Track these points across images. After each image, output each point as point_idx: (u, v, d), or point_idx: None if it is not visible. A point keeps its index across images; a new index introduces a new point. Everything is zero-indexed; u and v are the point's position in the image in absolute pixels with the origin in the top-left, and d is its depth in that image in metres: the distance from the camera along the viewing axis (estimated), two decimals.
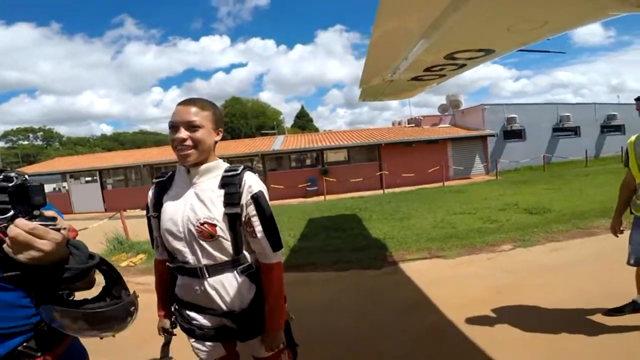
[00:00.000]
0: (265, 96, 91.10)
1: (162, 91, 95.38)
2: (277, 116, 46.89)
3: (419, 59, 2.06)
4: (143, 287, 4.34)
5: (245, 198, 1.20)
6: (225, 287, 1.22)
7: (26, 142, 47.40)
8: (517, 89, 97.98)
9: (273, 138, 19.58)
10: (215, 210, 1.19)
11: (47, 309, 0.89)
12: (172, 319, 1.40)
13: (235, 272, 1.23)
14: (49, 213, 0.81)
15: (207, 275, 1.21)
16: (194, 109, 1.18)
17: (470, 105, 20.24)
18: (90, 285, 0.97)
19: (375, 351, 2.48)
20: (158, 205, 1.28)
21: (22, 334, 0.94)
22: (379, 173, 15.61)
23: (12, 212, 0.77)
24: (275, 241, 1.24)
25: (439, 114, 21.75)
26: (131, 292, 0.98)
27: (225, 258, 1.21)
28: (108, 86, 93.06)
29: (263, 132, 28.81)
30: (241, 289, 1.24)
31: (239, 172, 1.22)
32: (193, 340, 1.33)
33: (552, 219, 5.83)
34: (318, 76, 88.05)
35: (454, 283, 3.61)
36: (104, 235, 6.59)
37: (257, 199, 1.20)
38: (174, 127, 1.18)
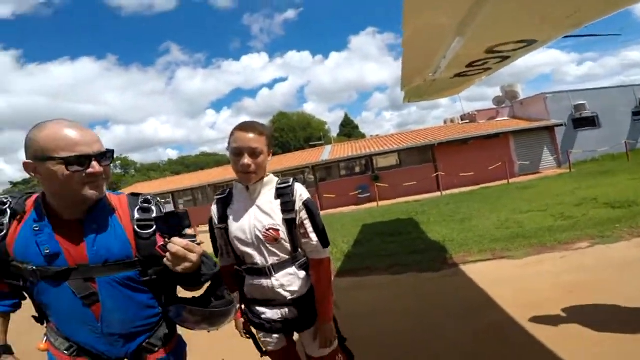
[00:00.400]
0: (310, 107, 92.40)
1: (215, 113, 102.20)
2: (323, 126, 47.13)
3: (459, 55, 2.05)
4: None
5: (298, 205, 1.40)
6: (289, 280, 1.42)
7: None
8: (582, 73, 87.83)
9: (321, 149, 19.91)
10: (276, 217, 1.39)
11: (178, 308, 1.05)
12: (244, 318, 1.57)
13: (294, 266, 1.43)
14: (188, 231, 0.99)
15: (273, 273, 1.41)
16: (253, 136, 1.34)
17: (529, 95, 18.60)
18: (201, 287, 1.10)
19: (433, 354, 2.42)
20: (223, 217, 1.48)
21: (146, 332, 1.10)
22: (434, 175, 15.00)
23: (153, 229, 1.05)
24: (324, 239, 1.42)
25: (494, 107, 20.37)
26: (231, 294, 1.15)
27: (286, 256, 1.41)
28: (168, 112, 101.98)
29: (311, 143, 29.36)
30: (300, 280, 1.44)
31: (290, 184, 1.42)
32: (262, 334, 1.53)
33: (638, 212, 5.12)
34: (358, 81, 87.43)
35: (519, 283, 3.36)
36: None
37: (307, 205, 1.40)
38: (238, 153, 1.35)
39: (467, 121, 19.94)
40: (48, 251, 0.97)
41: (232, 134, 1.39)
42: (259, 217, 1.40)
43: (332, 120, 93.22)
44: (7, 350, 1.05)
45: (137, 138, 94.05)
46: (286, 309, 1.45)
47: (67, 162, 0.90)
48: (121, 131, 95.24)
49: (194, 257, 0.93)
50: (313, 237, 1.40)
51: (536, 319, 2.55)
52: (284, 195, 1.41)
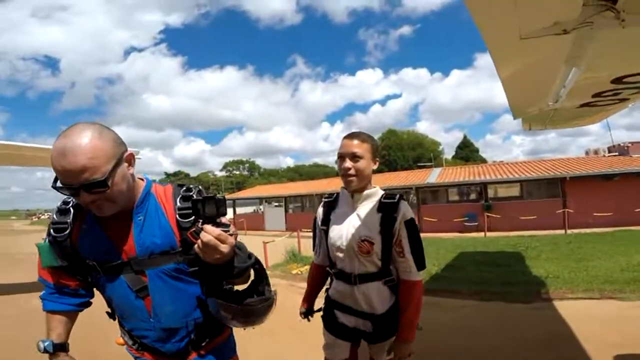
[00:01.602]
0: (422, 126, 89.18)
1: (329, 126, 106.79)
2: (436, 147, 44.95)
3: (580, 85, 1.97)
4: (304, 291, 5.54)
5: (398, 223, 1.39)
6: (371, 293, 1.44)
7: (237, 172, 61.51)
8: None
9: (429, 170, 19.40)
10: (373, 230, 1.40)
11: (212, 301, 1.04)
12: (315, 312, 1.71)
13: (380, 282, 1.44)
14: (223, 220, 0.92)
15: (357, 282, 1.44)
16: (356, 142, 1.43)
17: None
18: (246, 280, 1.07)
19: None
20: (326, 220, 1.55)
21: (198, 325, 1.10)
22: (560, 211, 13.06)
23: (193, 217, 0.99)
24: (420, 261, 1.42)
25: None
26: (273, 290, 1.09)
27: (374, 270, 1.43)
28: (290, 122, 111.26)
29: (420, 164, 28.53)
30: (383, 296, 1.45)
31: (396, 200, 1.42)
32: (330, 336, 1.56)
33: None
34: (483, 101, 79.46)
35: (617, 323, 3.11)
36: (284, 247, 8.58)
37: (409, 224, 1.40)
38: (341, 157, 1.45)
39: (616, 154, 16.57)
40: (103, 248, 1.01)
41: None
42: (357, 226, 1.43)
43: (449, 141, 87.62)
44: (62, 348, 1.06)
45: (263, 144, 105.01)
46: (361, 321, 1.48)
47: (59, 189, 0.92)
48: (252, 137, 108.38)
49: (225, 248, 0.87)
50: (409, 257, 1.39)
51: (618, 357, 2.44)
52: (387, 210, 1.40)
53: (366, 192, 1.47)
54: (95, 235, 1.03)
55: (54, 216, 1.05)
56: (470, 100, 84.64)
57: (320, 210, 1.63)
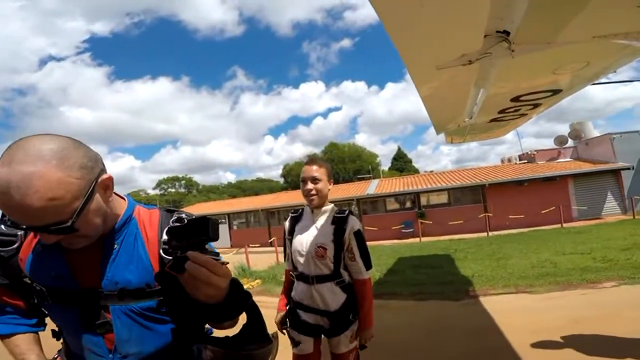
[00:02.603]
0: (361, 139, 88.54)
1: (272, 139, 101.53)
2: (374, 159, 46.53)
3: (487, 104, 2.26)
4: (258, 304, 5.45)
5: (348, 233, 1.68)
6: (325, 292, 1.69)
7: (173, 190, 56.99)
8: None
9: (368, 182, 20.34)
10: (327, 239, 1.69)
11: (200, 347, 0.88)
12: (286, 315, 1.86)
13: (332, 283, 1.70)
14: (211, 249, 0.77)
15: (314, 282, 1.70)
16: (315, 167, 1.71)
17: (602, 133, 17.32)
18: (234, 324, 0.89)
19: (427, 355, 2.89)
20: (292, 231, 1.83)
21: None
22: (481, 215, 14.60)
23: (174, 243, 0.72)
24: (367, 263, 1.71)
25: (556, 147, 19.34)
26: (270, 333, 0.96)
27: (327, 272, 1.69)
28: (230, 136, 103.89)
29: (359, 176, 29.72)
30: (335, 295, 1.70)
31: (345, 215, 1.73)
32: (296, 332, 1.78)
33: None
34: (414, 114, 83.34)
35: (531, 313, 3.58)
36: (232, 264, 8.22)
37: (357, 235, 1.70)
38: (304, 180, 1.72)
39: (525, 161, 19.13)
40: (53, 273, 0.84)
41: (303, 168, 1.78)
42: (315, 235, 1.71)
43: (385, 152, 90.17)
44: None
45: (201, 159, 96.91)
46: (319, 317, 1.71)
47: (8, 225, 0.71)
48: (188, 151, 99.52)
49: (219, 281, 0.69)
50: (359, 260, 1.68)
51: (535, 344, 2.81)
52: (339, 223, 1.70)
53: (323, 208, 1.76)
54: (50, 257, 0.84)
55: (1, 226, 0.87)
56: (404, 112, 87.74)
57: (287, 223, 1.89)
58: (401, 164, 47.08)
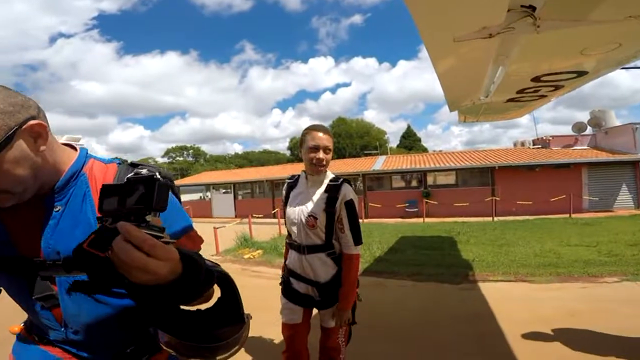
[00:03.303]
0: (370, 115, 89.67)
1: (280, 113, 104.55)
2: (382, 136, 46.25)
3: (505, 82, 2.14)
4: (257, 274, 5.53)
5: (340, 203, 1.61)
6: (315, 262, 1.66)
7: (181, 159, 58.12)
8: None
9: (375, 158, 20.13)
10: (319, 208, 1.63)
11: (156, 330, 0.81)
12: (281, 282, 1.85)
13: (323, 254, 1.66)
14: (155, 220, 0.56)
15: (306, 252, 1.67)
16: (327, 136, 1.64)
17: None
18: (208, 299, 0.77)
19: (420, 337, 2.89)
20: (287, 198, 1.79)
21: (128, 341, 0.83)
22: (488, 199, 14.42)
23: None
24: (357, 237, 1.62)
25: (573, 133, 18.71)
26: (247, 313, 0.83)
27: (319, 242, 1.65)
28: (238, 108, 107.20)
29: (366, 152, 29.44)
30: (326, 266, 1.66)
31: (339, 183, 1.66)
32: (285, 300, 1.76)
33: None
34: (426, 92, 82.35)
35: (528, 302, 3.54)
36: (234, 233, 8.46)
37: (348, 204, 1.62)
38: (316, 148, 1.62)
39: (539, 146, 18.62)
40: None
41: (307, 133, 1.65)
42: (307, 204, 1.67)
43: (393, 130, 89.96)
44: None
45: (209, 130, 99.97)
46: (310, 287, 1.68)
47: None
48: (196, 123, 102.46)
49: (158, 267, 0.50)
50: (348, 233, 1.60)
51: (526, 335, 2.78)
52: (332, 191, 1.63)
53: (319, 175, 1.69)
54: None
55: None
56: (415, 90, 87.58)
57: (283, 191, 1.85)
58: (410, 142, 46.65)
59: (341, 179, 1.68)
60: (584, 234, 7.94)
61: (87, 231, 0.62)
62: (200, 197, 22.54)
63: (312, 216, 1.63)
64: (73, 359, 0.82)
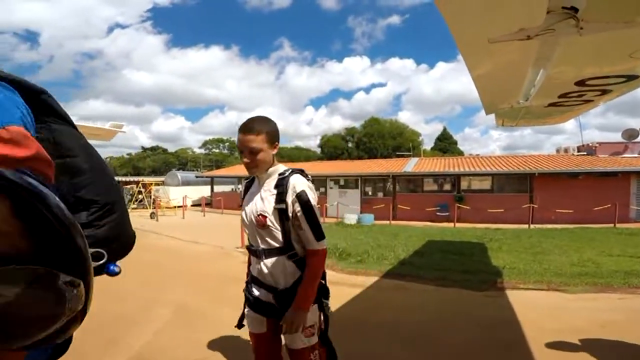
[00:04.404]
0: (404, 116, 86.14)
1: (313, 110, 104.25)
2: (416, 137, 45.35)
3: (546, 85, 2.05)
4: None
5: (290, 197, 1.44)
6: (275, 267, 1.48)
7: (217, 150, 60.21)
8: None
9: (407, 160, 19.76)
10: (268, 205, 1.47)
11: None
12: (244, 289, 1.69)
13: (284, 257, 1.48)
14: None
15: (263, 257, 1.50)
16: (251, 137, 1.43)
17: None
18: None
19: (437, 342, 2.85)
20: (243, 200, 1.65)
21: None
22: (525, 205, 13.74)
23: None
24: (317, 232, 1.45)
25: (623, 141, 17.35)
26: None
27: (276, 245, 1.48)
28: (273, 104, 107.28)
29: (398, 153, 28.93)
30: (286, 271, 1.48)
31: (286, 175, 1.49)
32: (247, 309, 1.61)
33: None
34: (464, 95, 78.36)
35: (557, 312, 3.41)
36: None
37: (300, 197, 1.43)
38: (241, 152, 1.48)
39: (584, 153, 17.47)
40: None
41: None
42: (257, 203, 1.51)
43: (429, 132, 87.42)
44: None
45: None
46: (271, 295, 1.51)
47: None
48: (233, 116, 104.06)
49: None
50: (306, 228, 1.43)
51: (550, 345, 2.68)
52: (280, 185, 1.47)
53: (269, 171, 1.52)
54: None
55: None
56: (452, 93, 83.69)
57: (242, 193, 1.72)
58: (445, 145, 45.45)
59: (290, 170, 1.52)
60: (628, 245, 7.40)
61: None
62: (232, 189, 23.23)
63: (260, 215, 1.47)
64: None
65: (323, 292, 1.58)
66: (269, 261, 1.49)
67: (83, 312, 0.46)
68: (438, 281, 4.81)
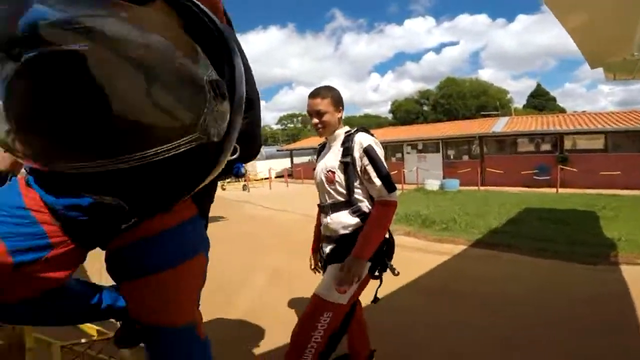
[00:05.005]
0: (486, 74, 76.94)
1: (379, 77, 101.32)
2: (503, 95, 40.04)
3: None
4: None
5: (358, 152, 1.51)
6: (339, 219, 1.56)
7: (292, 125, 62.77)
8: None
9: (494, 119, 17.74)
10: (335, 161, 1.58)
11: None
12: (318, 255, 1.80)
13: (347, 211, 1.55)
14: None
15: (330, 212, 1.59)
16: (318, 100, 1.58)
17: None
18: None
19: (527, 315, 2.69)
20: (317, 162, 1.76)
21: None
22: None
23: None
24: (388, 184, 1.48)
25: None
26: None
27: (341, 199, 1.56)
28: (336, 75, 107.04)
29: (483, 113, 26.05)
30: (349, 223, 1.54)
31: (352, 132, 1.61)
32: (323, 271, 1.67)
33: None
34: (557, 48, 64.08)
35: None
36: None
37: (367, 151, 1.50)
38: (310, 115, 1.64)
39: None
40: None
41: None
42: (326, 161, 1.63)
43: (518, 89, 75.22)
44: None
45: None
46: (333, 243, 1.58)
47: None
48: (302, 91, 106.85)
49: None
50: (377, 181, 1.47)
51: None
52: (346, 142, 1.57)
53: (336, 132, 1.64)
54: None
55: None
56: (542, 46, 70.11)
57: (315, 157, 1.85)
58: (541, 102, 39.90)
59: (355, 129, 1.63)
60: None
61: None
62: (309, 159, 24.19)
63: (330, 171, 1.58)
64: (46, 213, 0.73)
65: (386, 251, 1.56)
66: (334, 215, 1.57)
67: (219, 149, 0.64)
68: (535, 252, 4.46)
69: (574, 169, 12.41)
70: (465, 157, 15.44)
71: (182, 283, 0.79)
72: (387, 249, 1.56)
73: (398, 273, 1.54)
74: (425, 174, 14.51)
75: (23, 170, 0.90)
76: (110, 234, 0.76)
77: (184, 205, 0.78)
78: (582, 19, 1.79)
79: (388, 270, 1.56)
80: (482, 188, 12.83)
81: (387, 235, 1.56)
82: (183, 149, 0.55)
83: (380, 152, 1.54)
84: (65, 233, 0.73)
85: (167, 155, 0.54)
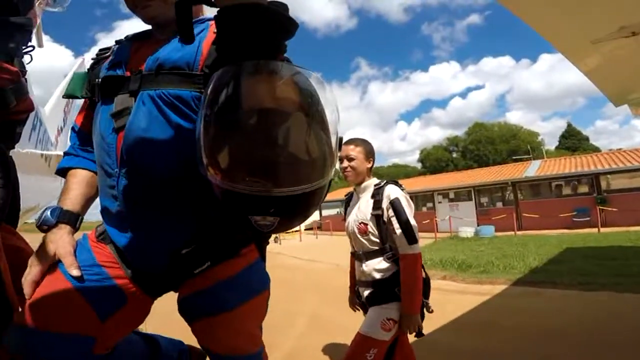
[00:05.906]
0: (514, 117, 76.77)
1: (406, 125, 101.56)
2: (534, 138, 39.35)
3: None
4: None
5: (385, 203, 1.60)
6: (374, 265, 1.64)
7: None
8: None
9: (526, 163, 17.64)
10: (367, 214, 1.65)
11: None
12: (353, 296, 1.89)
13: (382, 258, 1.63)
14: None
15: (365, 260, 1.67)
16: (351, 147, 1.71)
17: None
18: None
19: (589, 342, 2.63)
20: (345, 214, 1.87)
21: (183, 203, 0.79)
22: None
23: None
24: (410, 235, 1.54)
25: None
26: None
27: (375, 247, 1.64)
28: (362, 124, 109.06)
29: (515, 157, 25.67)
30: (384, 267, 1.62)
31: (382, 185, 1.68)
32: (362, 312, 1.78)
33: None
34: (585, 85, 62.26)
35: None
36: None
37: (393, 203, 1.58)
38: (340, 160, 1.69)
39: None
40: (117, 59, 0.81)
41: None
42: (357, 213, 1.70)
43: (548, 130, 73.38)
44: (70, 218, 0.80)
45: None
46: (371, 288, 1.66)
47: None
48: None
49: None
50: (399, 232, 1.55)
51: None
52: (376, 194, 1.65)
53: (364, 184, 1.74)
54: (121, 49, 0.84)
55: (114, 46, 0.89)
56: (569, 85, 68.79)
57: (343, 209, 1.94)
58: (573, 142, 38.68)
59: (385, 181, 1.70)
60: None
61: (185, 46, 0.71)
62: (338, 212, 24.32)
63: (362, 223, 1.66)
64: (117, 268, 0.79)
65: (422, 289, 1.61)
66: (371, 262, 1.64)
67: None
68: (581, 286, 4.36)
69: (614, 209, 11.93)
70: (499, 204, 15.23)
71: (255, 314, 0.91)
72: (422, 287, 1.63)
73: (432, 310, 1.64)
74: (459, 222, 14.28)
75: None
76: (182, 280, 0.82)
77: (251, 248, 0.87)
78: (597, 63, 1.94)
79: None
80: (519, 232, 12.47)
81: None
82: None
83: (406, 204, 1.60)
84: (137, 285, 0.81)
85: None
